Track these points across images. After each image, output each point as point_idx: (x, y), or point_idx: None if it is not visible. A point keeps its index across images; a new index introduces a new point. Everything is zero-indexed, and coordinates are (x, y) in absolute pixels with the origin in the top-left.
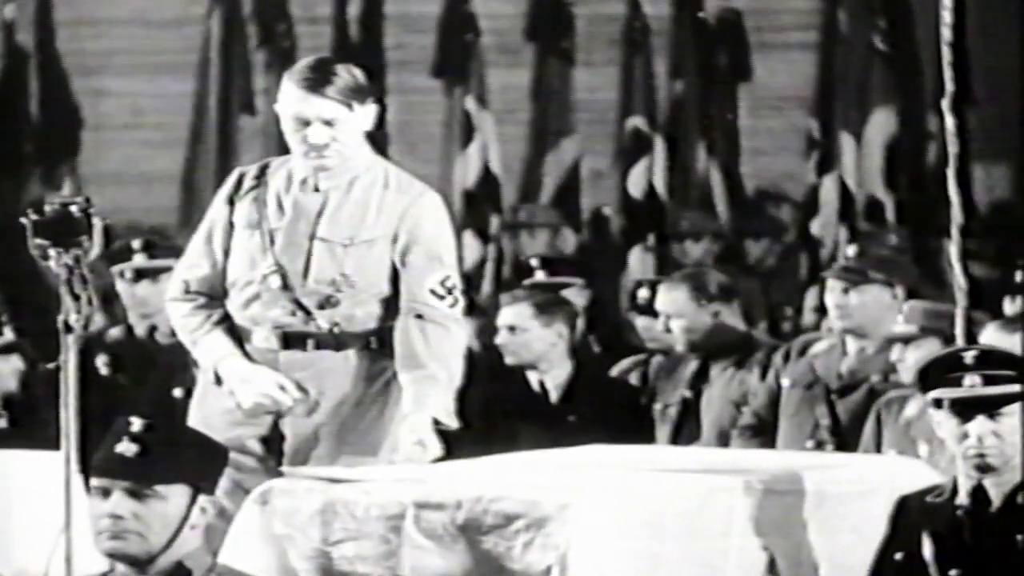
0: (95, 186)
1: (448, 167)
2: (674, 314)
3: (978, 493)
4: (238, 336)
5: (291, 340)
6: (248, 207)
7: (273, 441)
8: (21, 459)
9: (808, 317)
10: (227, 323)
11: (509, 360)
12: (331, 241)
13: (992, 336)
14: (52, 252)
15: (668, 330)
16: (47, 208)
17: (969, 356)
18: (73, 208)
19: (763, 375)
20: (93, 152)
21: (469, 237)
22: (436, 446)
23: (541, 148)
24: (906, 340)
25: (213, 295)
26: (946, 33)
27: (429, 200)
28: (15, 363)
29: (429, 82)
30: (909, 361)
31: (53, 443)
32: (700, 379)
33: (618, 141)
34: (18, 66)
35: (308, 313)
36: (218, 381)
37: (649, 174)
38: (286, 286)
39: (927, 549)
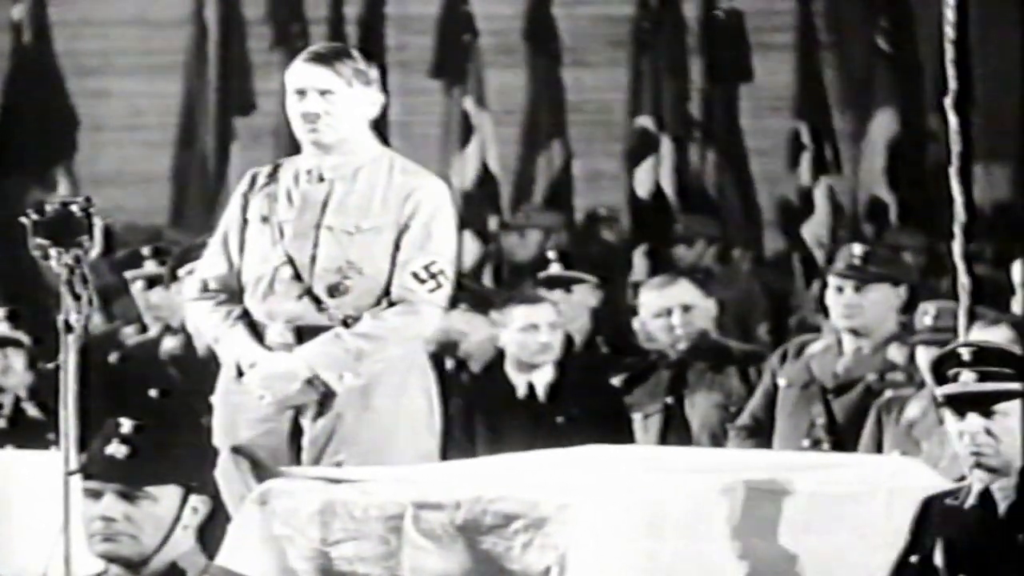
0: (92, 186)
1: (446, 167)
2: (689, 305)
3: (986, 497)
4: (258, 332)
5: (305, 334)
6: (260, 202)
7: (293, 437)
8: (21, 459)
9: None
10: (247, 319)
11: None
12: (336, 229)
13: (976, 335)
14: (53, 252)
15: (671, 327)
16: (48, 208)
17: (966, 352)
18: (74, 208)
19: (742, 377)
20: (91, 152)
21: (468, 237)
22: (280, 392)
23: (538, 148)
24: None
25: (231, 293)
26: (949, 31)
27: (431, 186)
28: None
29: (428, 83)
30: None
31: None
32: (679, 384)
33: (624, 141)
34: (23, 66)
35: (320, 303)
36: (240, 375)
37: (656, 174)
38: (297, 276)
39: (938, 553)
